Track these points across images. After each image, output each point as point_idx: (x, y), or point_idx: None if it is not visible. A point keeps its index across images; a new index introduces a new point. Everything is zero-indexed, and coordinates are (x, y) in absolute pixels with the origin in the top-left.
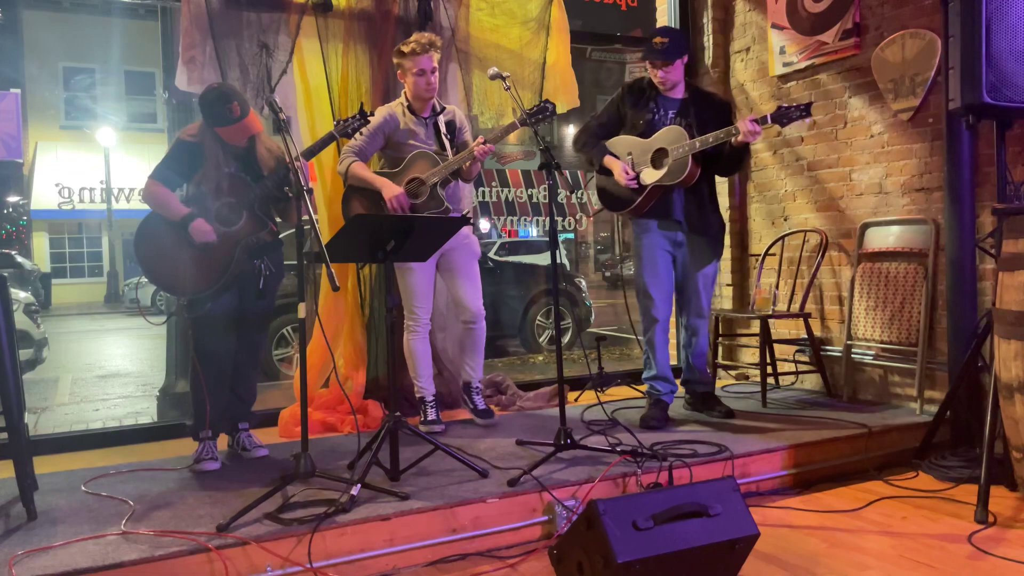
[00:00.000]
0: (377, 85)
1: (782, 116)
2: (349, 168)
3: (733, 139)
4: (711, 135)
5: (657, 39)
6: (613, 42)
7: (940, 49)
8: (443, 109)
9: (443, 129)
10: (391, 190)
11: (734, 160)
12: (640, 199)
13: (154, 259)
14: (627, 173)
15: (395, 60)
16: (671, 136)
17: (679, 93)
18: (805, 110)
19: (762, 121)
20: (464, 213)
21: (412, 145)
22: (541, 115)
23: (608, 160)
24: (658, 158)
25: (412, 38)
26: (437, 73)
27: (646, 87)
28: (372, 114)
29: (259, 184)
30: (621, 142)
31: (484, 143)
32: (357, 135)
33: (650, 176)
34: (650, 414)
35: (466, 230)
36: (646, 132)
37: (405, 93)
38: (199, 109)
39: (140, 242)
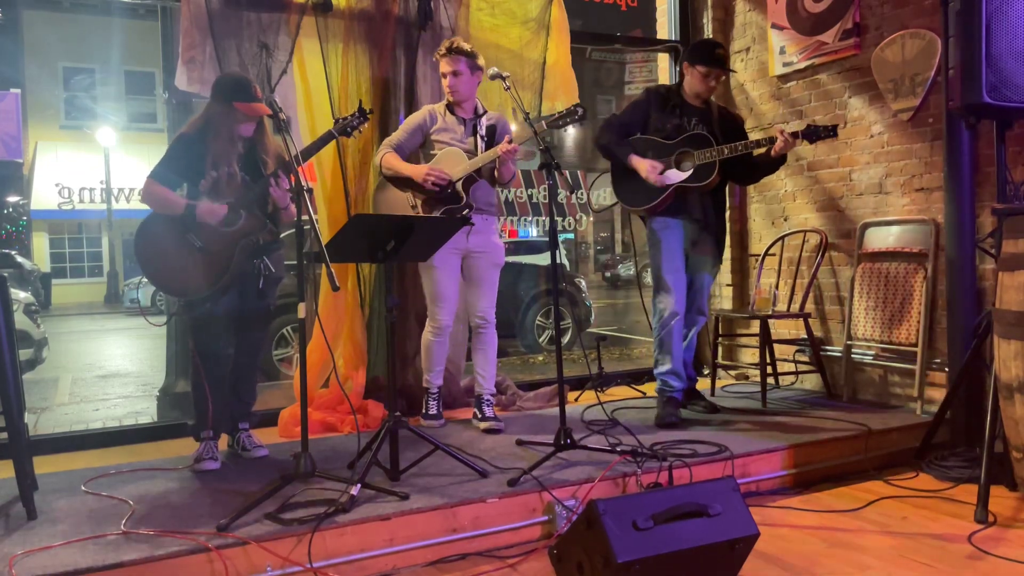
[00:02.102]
0: (377, 85)
1: (811, 134)
2: (383, 159)
3: (773, 151)
4: (741, 144)
5: (719, 50)
6: (613, 42)
7: (940, 49)
8: (485, 112)
9: (482, 131)
10: (421, 169)
11: (769, 170)
12: (661, 197)
13: (155, 261)
14: (655, 170)
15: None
16: (697, 140)
17: (700, 103)
18: (832, 130)
19: (793, 136)
20: (464, 213)
21: (447, 143)
22: (570, 118)
23: (634, 159)
24: (681, 160)
25: (442, 42)
26: (461, 77)
27: (671, 94)
28: (371, 112)
29: (258, 183)
30: (644, 143)
31: (510, 143)
32: (398, 130)
33: (675, 176)
34: (666, 412)
35: (493, 237)
36: (672, 136)
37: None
38: (217, 90)
39: (140, 244)
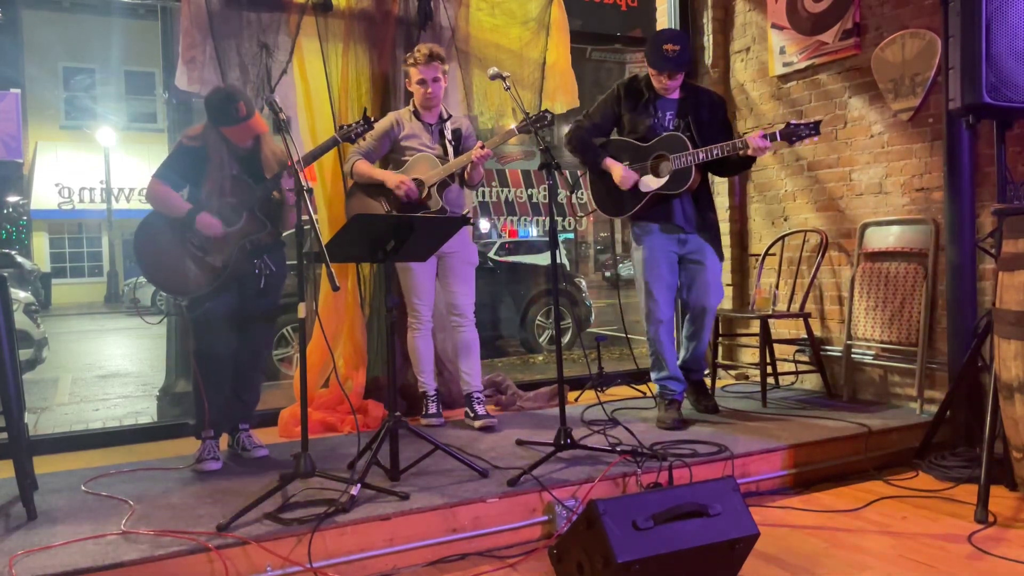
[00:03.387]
0: (377, 85)
1: (791, 134)
2: (354, 166)
3: (740, 152)
4: (716, 147)
5: (668, 46)
6: (613, 42)
7: (940, 49)
8: (450, 117)
9: (448, 136)
10: (396, 178)
11: (740, 167)
12: (639, 206)
13: (153, 259)
14: (628, 179)
15: (404, 67)
16: (673, 143)
17: (676, 93)
18: (814, 128)
19: (772, 138)
20: (464, 213)
21: (416, 149)
22: (540, 123)
23: (608, 163)
24: (658, 164)
25: (417, 48)
26: (440, 84)
27: (643, 88)
28: (375, 120)
29: (260, 186)
30: (618, 145)
31: (483, 147)
32: (363, 138)
33: (652, 183)
34: (668, 415)
35: (466, 238)
36: (647, 137)
37: (413, 100)
38: (205, 110)
39: (139, 243)
